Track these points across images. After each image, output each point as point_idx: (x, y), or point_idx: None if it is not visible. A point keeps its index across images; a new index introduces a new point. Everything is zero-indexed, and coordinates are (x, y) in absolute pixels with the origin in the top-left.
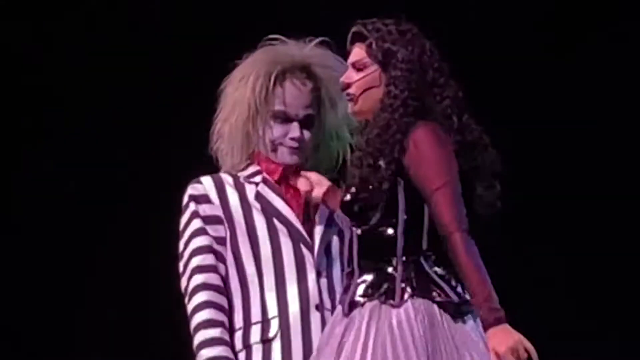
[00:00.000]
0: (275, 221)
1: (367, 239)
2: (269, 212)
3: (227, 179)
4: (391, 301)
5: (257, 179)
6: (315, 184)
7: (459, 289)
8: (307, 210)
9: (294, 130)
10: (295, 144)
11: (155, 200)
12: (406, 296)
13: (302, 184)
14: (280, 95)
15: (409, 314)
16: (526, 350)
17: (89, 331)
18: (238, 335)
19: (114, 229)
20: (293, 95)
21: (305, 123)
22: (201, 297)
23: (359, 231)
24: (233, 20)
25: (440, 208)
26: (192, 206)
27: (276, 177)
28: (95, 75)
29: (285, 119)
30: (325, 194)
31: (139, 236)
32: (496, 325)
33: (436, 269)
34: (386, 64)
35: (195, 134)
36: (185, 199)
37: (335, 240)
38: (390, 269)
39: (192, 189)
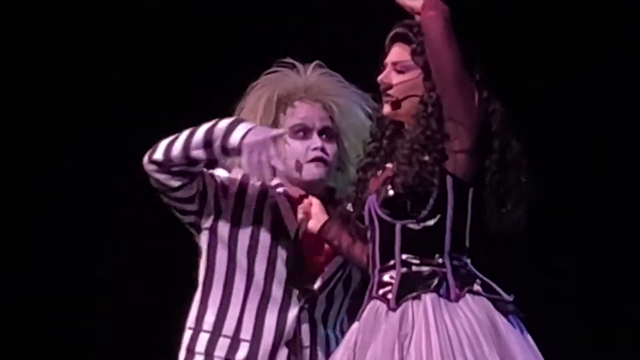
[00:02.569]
0: (279, 246)
1: (412, 233)
2: (275, 231)
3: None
4: (449, 295)
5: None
6: (313, 214)
7: None
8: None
9: (315, 140)
10: (319, 154)
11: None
12: (463, 291)
13: (300, 209)
14: (292, 113)
15: (472, 308)
16: None
17: (102, 327)
18: (202, 337)
19: (123, 228)
20: (306, 109)
21: (325, 134)
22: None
23: (400, 225)
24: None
25: None
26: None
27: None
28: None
29: (304, 130)
30: (321, 229)
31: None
32: None
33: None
34: (430, 71)
35: None
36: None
37: (339, 287)
38: (438, 264)
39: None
